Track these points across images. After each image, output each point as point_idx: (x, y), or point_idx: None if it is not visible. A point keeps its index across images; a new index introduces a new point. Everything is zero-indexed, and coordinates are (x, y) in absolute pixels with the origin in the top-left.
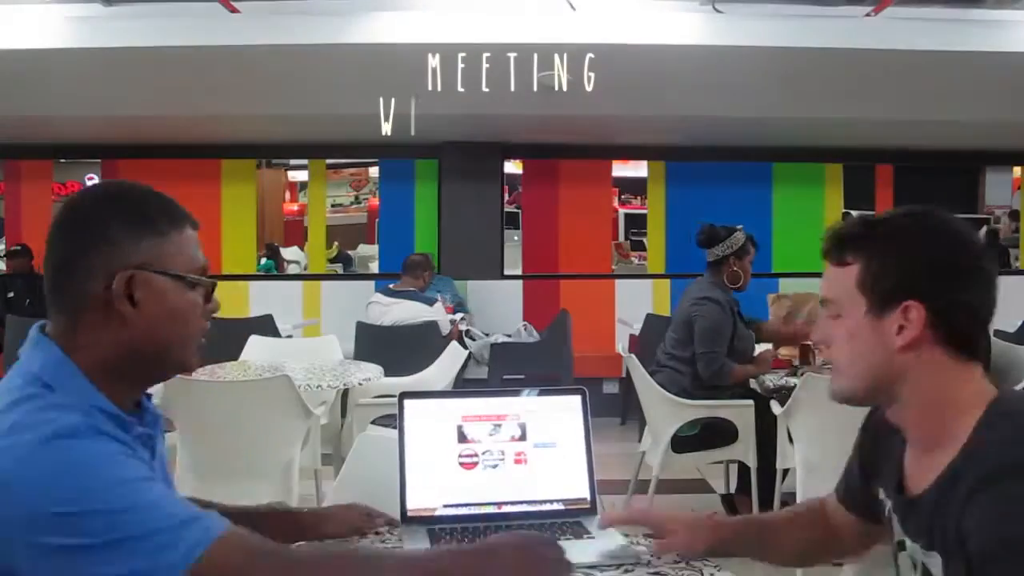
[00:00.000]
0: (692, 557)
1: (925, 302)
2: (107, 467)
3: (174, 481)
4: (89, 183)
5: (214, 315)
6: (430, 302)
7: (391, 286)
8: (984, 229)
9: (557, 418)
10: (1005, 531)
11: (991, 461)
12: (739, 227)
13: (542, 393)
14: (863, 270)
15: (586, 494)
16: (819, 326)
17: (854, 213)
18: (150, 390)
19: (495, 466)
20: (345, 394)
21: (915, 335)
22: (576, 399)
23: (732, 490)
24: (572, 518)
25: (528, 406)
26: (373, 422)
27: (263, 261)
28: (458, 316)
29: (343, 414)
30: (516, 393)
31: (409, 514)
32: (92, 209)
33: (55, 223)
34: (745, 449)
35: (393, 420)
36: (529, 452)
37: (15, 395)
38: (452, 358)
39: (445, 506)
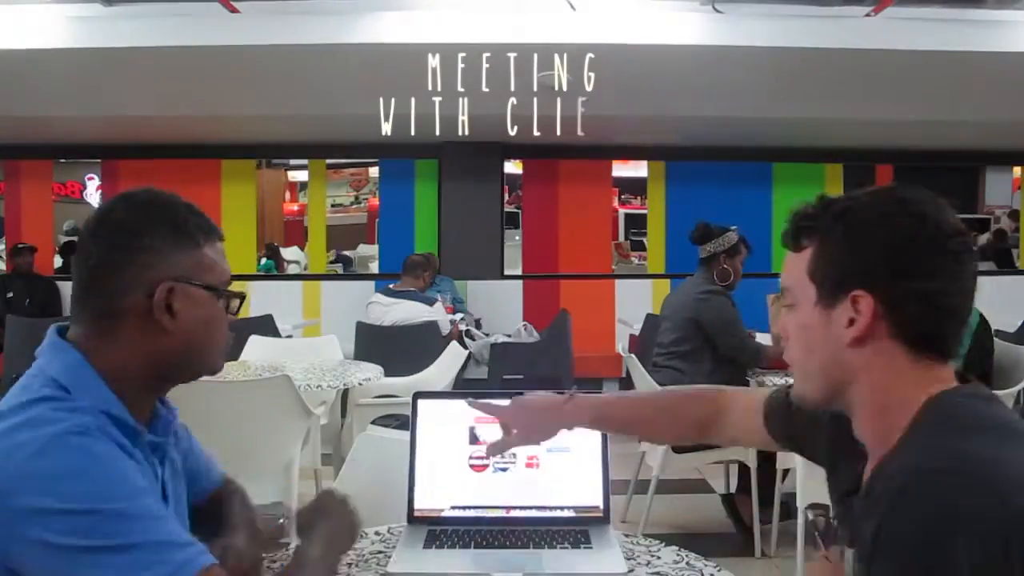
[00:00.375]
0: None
1: (875, 292)
2: (116, 469)
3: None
4: (89, 182)
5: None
6: (430, 302)
7: (391, 286)
8: (992, 229)
9: None
10: (887, 528)
11: (890, 471)
12: (733, 227)
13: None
14: (813, 255)
15: (599, 502)
16: (780, 317)
17: None
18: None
19: (505, 469)
20: (345, 394)
21: (864, 328)
22: None
23: (732, 490)
24: (581, 526)
25: None
26: (373, 422)
27: (263, 261)
28: (458, 316)
29: (343, 414)
30: None
31: (416, 514)
32: (132, 219)
33: (91, 231)
34: (745, 449)
35: (393, 420)
36: (542, 456)
37: (31, 395)
38: (452, 358)
39: (452, 507)
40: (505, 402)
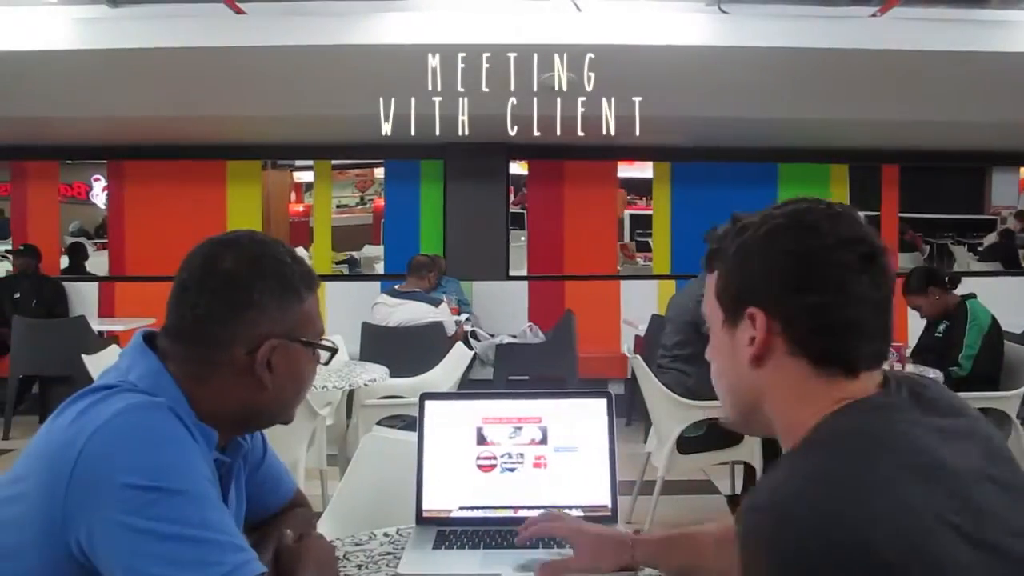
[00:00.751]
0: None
1: (767, 307)
2: (184, 450)
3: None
4: (95, 183)
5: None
6: (435, 303)
7: (396, 287)
8: (999, 229)
9: (580, 422)
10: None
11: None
12: None
13: (566, 396)
14: (718, 277)
15: (607, 501)
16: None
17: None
18: None
19: (513, 469)
20: (351, 395)
21: (761, 346)
22: (601, 403)
23: (737, 491)
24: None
25: (551, 409)
26: (379, 423)
27: None
28: (463, 317)
29: (349, 415)
30: (539, 395)
31: (424, 515)
32: (242, 272)
33: (198, 278)
34: (750, 450)
35: (398, 421)
36: (549, 456)
37: (103, 383)
38: (458, 359)
39: (460, 508)
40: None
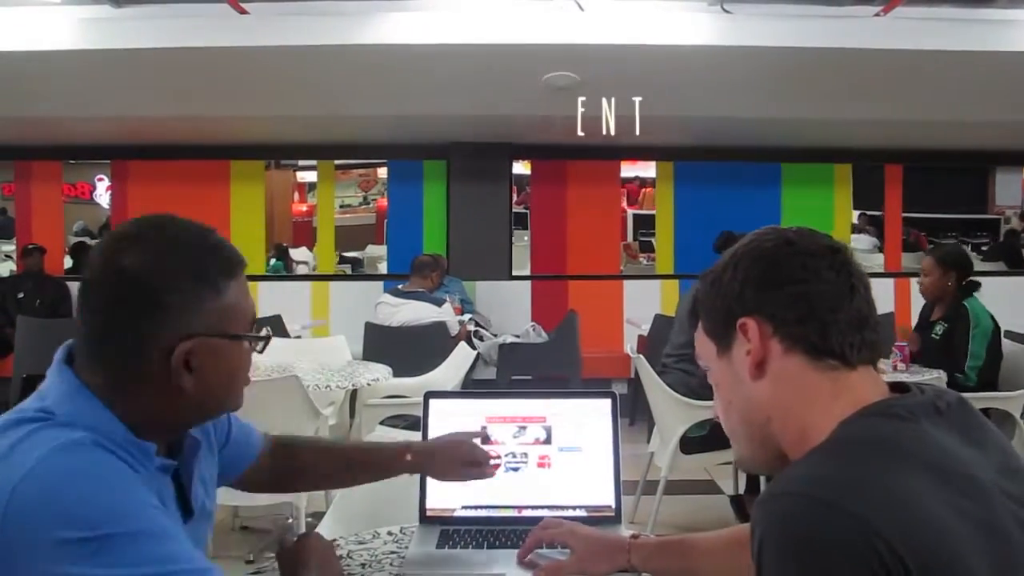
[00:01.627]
0: None
1: (755, 312)
2: (123, 484)
3: (214, 496)
4: (99, 183)
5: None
6: (439, 303)
7: (400, 287)
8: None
9: (584, 422)
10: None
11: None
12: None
13: (570, 396)
14: (703, 317)
15: (611, 501)
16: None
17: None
18: None
19: (517, 469)
20: (354, 395)
21: (758, 350)
22: (606, 403)
23: (741, 491)
24: (593, 526)
25: (555, 409)
26: (382, 423)
27: (272, 262)
28: (466, 317)
29: (352, 414)
30: (543, 395)
31: (428, 514)
32: (145, 270)
33: (97, 278)
34: None
35: (401, 421)
36: (553, 456)
37: (18, 416)
38: (461, 359)
39: (464, 507)
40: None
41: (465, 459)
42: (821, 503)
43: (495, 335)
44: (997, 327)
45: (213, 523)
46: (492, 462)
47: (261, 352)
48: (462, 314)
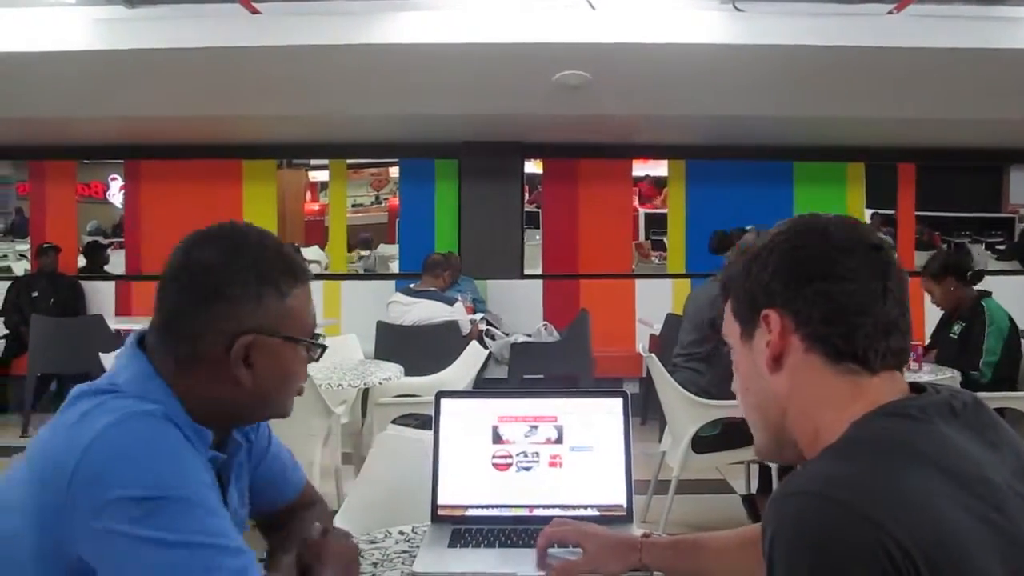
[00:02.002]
0: None
1: (779, 304)
2: (181, 456)
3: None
4: (112, 183)
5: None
6: (450, 302)
7: (412, 286)
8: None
9: (596, 421)
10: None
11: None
12: (750, 228)
13: (582, 395)
14: (732, 296)
15: (622, 500)
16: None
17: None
18: None
19: (528, 468)
20: (365, 393)
21: (778, 344)
22: (617, 402)
23: (753, 490)
24: (604, 525)
25: (566, 408)
26: (393, 421)
27: None
28: (478, 316)
29: (363, 413)
30: (554, 394)
31: (439, 513)
32: (216, 265)
33: (174, 271)
34: None
35: (413, 420)
36: (565, 455)
37: (92, 388)
38: (472, 358)
39: (475, 506)
40: (619, 475)
41: None
42: (834, 503)
43: (507, 334)
44: (1015, 326)
45: (244, 531)
46: (503, 461)
47: (317, 360)
48: (474, 313)
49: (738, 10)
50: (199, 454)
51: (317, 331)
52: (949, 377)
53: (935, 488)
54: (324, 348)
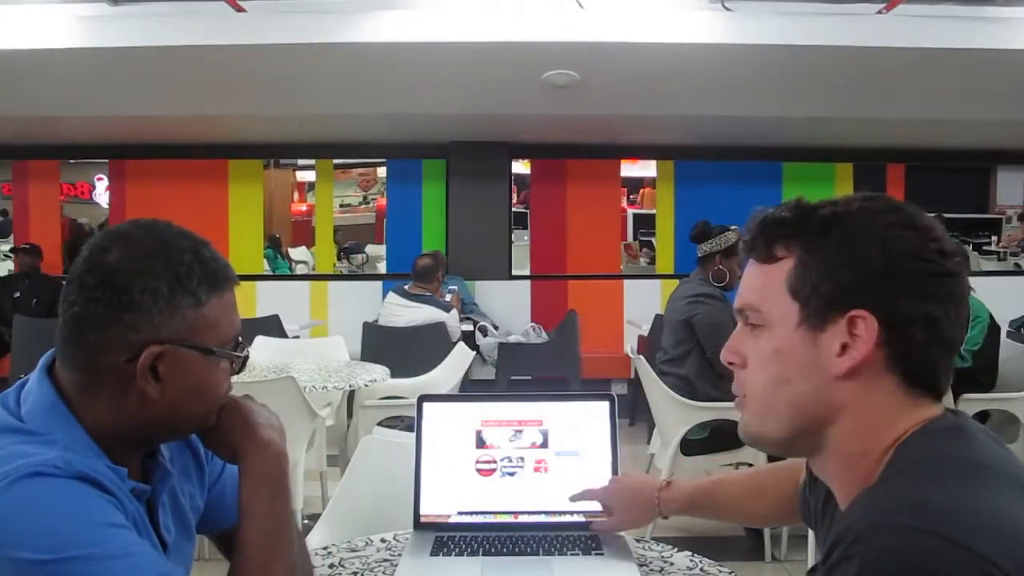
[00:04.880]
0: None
1: (879, 312)
2: (87, 509)
3: (193, 529)
4: (98, 183)
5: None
6: (447, 309)
7: (406, 287)
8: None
9: (582, 425)
10: None
11: (844, 530)
12: (734, 227)
13: (568, 398)
14: (797, 267)
15: None
16: (732, 341)
17: None
18: None
19: (513, 474)
20: (351, 396)
21: (863, 356)
22: (604, 405)
23: None
24: (591, 531)
25: (552, 412)
26: (379, 423)
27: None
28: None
29: (349, 416)
30: (540, 398)
31: (422, 520)
32: (125, 268)
33: (79, 272)
34: (755, 451)
35: (399, 422)
36: (550, 460)
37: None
38: (459, 359)
39: (459, 513)
40: (604, 481)
41: None
42: (931, 535)
43: (496, 328)
44: (994, 322)
45: (193, 554)
46: (487, 466)
47: (238, 372)
48: (461, 303)
49: (727, 9)
50: (108, 497)
51: (240, 339)
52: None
53: (1015, 506)
54: (245, 359)
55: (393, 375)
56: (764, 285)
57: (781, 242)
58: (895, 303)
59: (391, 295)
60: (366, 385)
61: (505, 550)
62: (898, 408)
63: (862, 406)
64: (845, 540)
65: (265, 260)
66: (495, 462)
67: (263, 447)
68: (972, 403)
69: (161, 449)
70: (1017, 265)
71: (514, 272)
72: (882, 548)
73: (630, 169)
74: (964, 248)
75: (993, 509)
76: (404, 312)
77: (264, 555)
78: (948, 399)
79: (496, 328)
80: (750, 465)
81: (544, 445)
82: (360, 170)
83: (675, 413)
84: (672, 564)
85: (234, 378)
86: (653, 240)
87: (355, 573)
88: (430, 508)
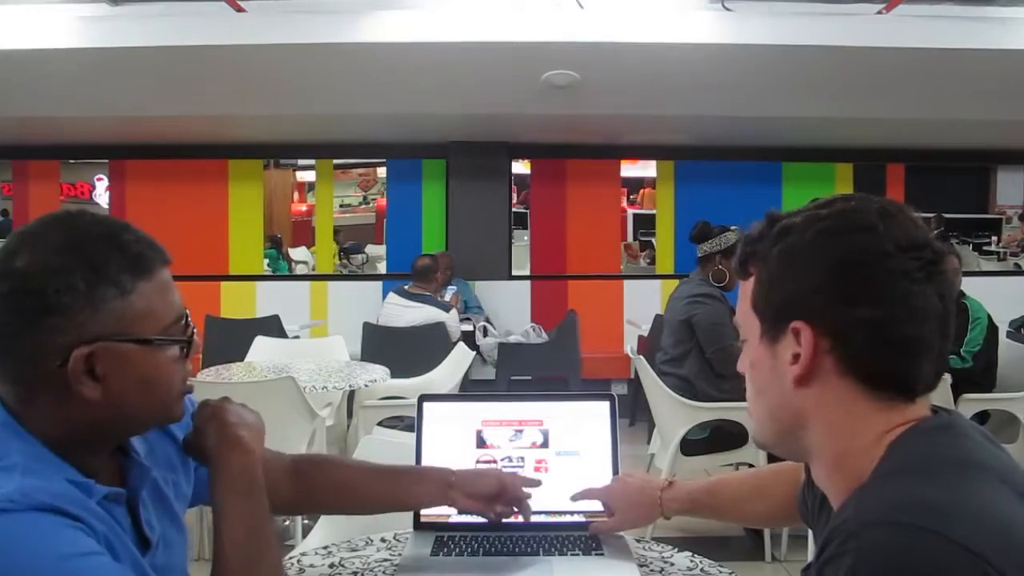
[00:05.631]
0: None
1: (815, 322)
2: (45, 543)
3: (182, 518)
4: (98, 183)
5: (196, 355)
6: (447, 309)
7: (406, 287)
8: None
9: (582, 425)
10: None
11: (840, 530)
12: (734, 228)
13: (568, 398)
14: (755, 282)
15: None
16: (741, 353)
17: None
18: None
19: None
20: (351, 396)
21: (807, 365)
22: (604, 405)
23: None
24: (591, 531)
25: (552, 412)
26: (379, 424)
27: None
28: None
29: (349, 416)
30: (540, 398)
31: (422, 520)
32: (36, 270)
33: None
34: (755, 451)
35: (399, 422)
36: (551, 460)
37: None
38: (459, 360)
39: (459, 513)
40: (606, 481)
41: (491, 492)
42: (926, 532)
43: (490, 322)
44: (993, 322)
45: (186, 543)
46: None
47: (187, 356)
48: (459, 303)
49: (727, 10)
50: (73, 524)
51: (185, 321)
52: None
53: (1016, 508)
54: (190, 340)
55: (393, 375)
56: (742, 301)
57: (750, 259)
58: (829, 312)
59: (391, 295)
60: (366, 385)
61: (505, 550)
62: (864, 410)
63: (825, 411)
64: (838, 537)
65: (268, 260)
66: (495, 462)
67: (232, 446)
68: (972, 403)
69: (134, 445)
70: (1017, 265)
71: (514, 272)
72: (876, 545)
73: (630, 169)
74: (941, 244)
75: (985, 506)
76: (404, 312)
77: (245, 558)
78: (948, 399)
79: (487, 324)
80: (751, 466)
81: (544, 445)
82: (360, 170)
83: (675, 413)
84: (672, 564)
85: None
86: (653, 240)
87: (355, 573)
88: (430, 508)
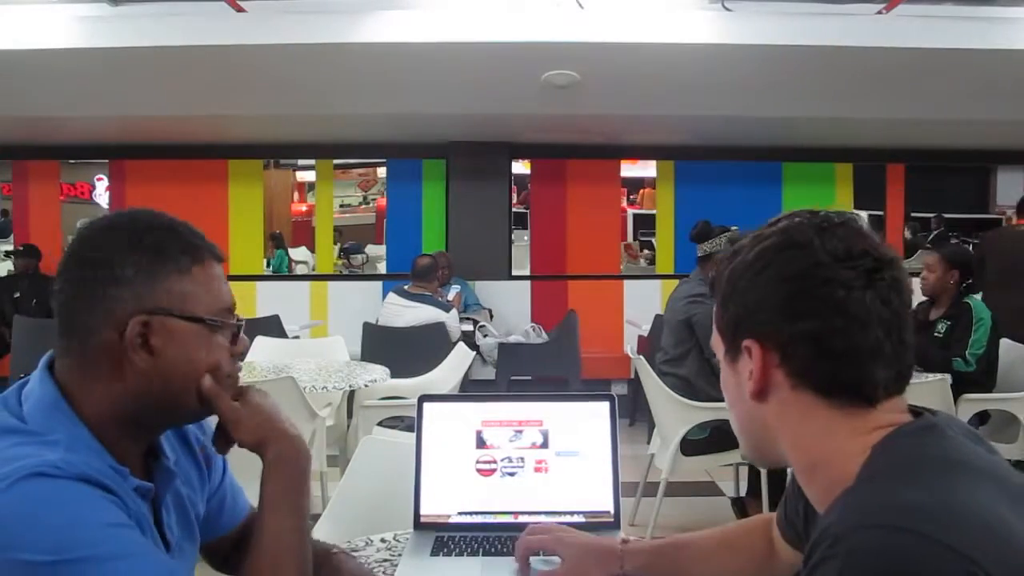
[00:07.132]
0: None
1: (760, 338)
2: (88, 511)
3: (196, 531)
4: (98, 183)
5: (243, 356)
6: (447, 308)
7: (405, 287)
8: None
9: (582, 425)
10: None
11: (824, 535)
12: (734, 228)
13: (568, 399)
14: (718, 306)
15: (609, 507)
16: None
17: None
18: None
19: (513, 474)
20: (351, 396)
21: (759, 380)
22: (604, 405)
23: (742, 493)
24: (591, 531)
25: (552, 412)
26: (379, 424)
27: (275, 253)
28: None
29: (349, 416)
30: (540, 398)
31: (422, 520)
32: (101, 244)
33: (63, 261)
34: None
35: (399, 422)
36: (550, 460)
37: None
38: (459, 359)
39: (459, 513)
40: (606, 481)
41: None
42: (912, 534)
43: (488, 321)
44: (995, 324)
45: (195, 558)
46: (487, 467)
47: (234, 344)
48: (461, 302)
49: (727, 10)
50: (111, 497)
51: (233, 312)
52: (939, 379)
53: (1003, 507)
54: (239, 326)
55: (393, 375)
56: (714, 330)
57: (714, 282)
58: (773, 328)
59: (391, 295)
60: (366, 385)
61: (505, 550)
62: (826, 419)
63: (787, 423)
64: (825, 541)
65: (275, 261)
66: (495, 462)
67: (290, 438)
68: (972, 403)
69: (164, 450)
70: None
71: (514, 272)
72: (863, 548)
73: (630, 169)
74: (886, 251)
75: (971, 506)
76: (404, 312)
77: (278, 548)
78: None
79: (500, 331)
80: (750, 465)
81: (544, 445)
82: (360, 170)
83: (675, 413)
84: None
85: None
86: (653, 240)
87: None
88: (430, 508)
